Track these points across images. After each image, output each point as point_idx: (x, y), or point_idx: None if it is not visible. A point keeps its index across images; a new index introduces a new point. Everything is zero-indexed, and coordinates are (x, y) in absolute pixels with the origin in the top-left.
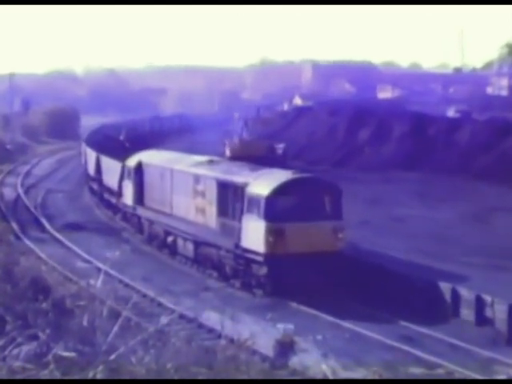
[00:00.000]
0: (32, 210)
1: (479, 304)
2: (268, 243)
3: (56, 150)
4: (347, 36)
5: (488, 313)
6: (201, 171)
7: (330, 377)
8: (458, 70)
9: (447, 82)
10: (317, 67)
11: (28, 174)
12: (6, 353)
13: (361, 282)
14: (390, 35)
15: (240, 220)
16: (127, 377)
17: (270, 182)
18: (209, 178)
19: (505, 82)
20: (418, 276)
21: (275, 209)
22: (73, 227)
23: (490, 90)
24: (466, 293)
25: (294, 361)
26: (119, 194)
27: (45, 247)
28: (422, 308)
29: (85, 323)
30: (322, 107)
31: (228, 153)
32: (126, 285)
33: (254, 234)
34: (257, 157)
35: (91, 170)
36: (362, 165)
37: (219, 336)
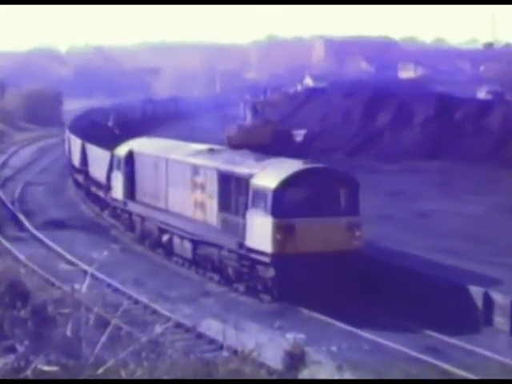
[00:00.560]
0: (8, 205)
1: None
2: (276, 242)
3: (36, 137)
4: (363, 8)
5: None
6: (200, 161)
7: None
8: (488, 46)
9: (477, 59)
10: (329, 44)
11: (4, 164)
12: None
13: (380, 285)
14: (410, 7)
15: (244, 216)
16: None
17: (277, 172)
18: (209, 169)
19: None
20: (444, 278)
21: (284, 203)
22: (55, 225)
23: None
24: (500, 298)
25: (305, 374)
26: (107, 187)
27: (23, 247)
28: (449, 315)
29: (69, 333)
30: (336, 88)
31: (229, 140)
32: (116, 289)
33: (259, 231)
34: (266, 144)
35: (76, 160)
36: (380, 153)
37: (221, 347)
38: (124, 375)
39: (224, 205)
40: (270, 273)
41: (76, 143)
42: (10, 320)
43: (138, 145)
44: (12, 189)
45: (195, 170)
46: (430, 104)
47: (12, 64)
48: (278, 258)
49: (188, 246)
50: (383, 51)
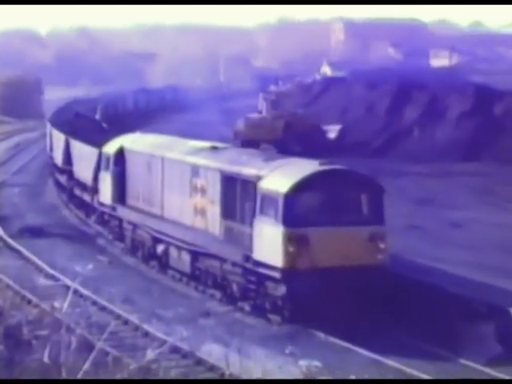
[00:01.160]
0: None
1: None
2: (287, 255)
3: (13, 131)
4: None
5: None
6: (200, 161)
7: None
8: None
9: None
10: (350, 27)
11: None
12: None
13: (407, 305)
14: None
15: (251, 224)
16: None
17: (290, 175)
18: (211, 170)
19: None
20: (482, 300)
21: (297, 210)
22: (33, 232)
23: None
24: None
25: None
26: (94, 189)
27: None
28: (488, 343)
29: (46, 359)
30: (358, 78)
31: (236, 136)
32: (102, 308)
33: (269, 242)
34: (278, 140)
35: (58, 158)
36: (409, 153)
37: (223, 375)
38: None
39: (228, 211)
40: (281, 290)
41: (58, 139)
42: None
43: (130, 141)
44: None
45: (195, 170)
46: (466, 97)
47: None
48: (290, 274)
49: (186, 258)
50: (413, 36)
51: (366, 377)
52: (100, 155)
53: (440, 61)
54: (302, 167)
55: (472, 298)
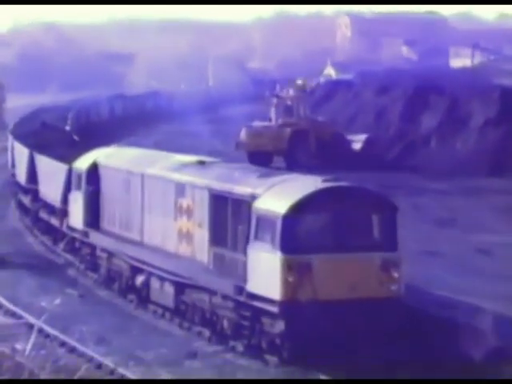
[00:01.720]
0: None
1: None
2: (287, 285)
3: None
4: None
5: None
6: (186, 178)
7: None
8: None
9: None
10: (358, 22)
11: None
12: None
13: (426, 345)
14: None
15: (245, 251)
16: None
17: (289, 193)
18: (198, 188)
19: None
20: None
21: (297, 234)
22: None
23: None
24: None
25: None
26: (63, 212)
27: None
28: None
29: None
30: (367, 81)
31: (238, 146)
32: (72, 349)
33: (265, 271)
34: (285, 151)
35: (21, 175)
36: (426, 167)
37: None
38: None
39: (218, 236)
40: (279, 327)
41: (22, 153)
42: None
43: (105, 156)
44: None
45: (180, 189)
46: (492, 102)
47: None
48: (290, 308)
49: (170, 290)
50: (430, 32)
51: None
52: (70, 172)
53: (461, 60)
54: (304, 184)
55: (503, 336)
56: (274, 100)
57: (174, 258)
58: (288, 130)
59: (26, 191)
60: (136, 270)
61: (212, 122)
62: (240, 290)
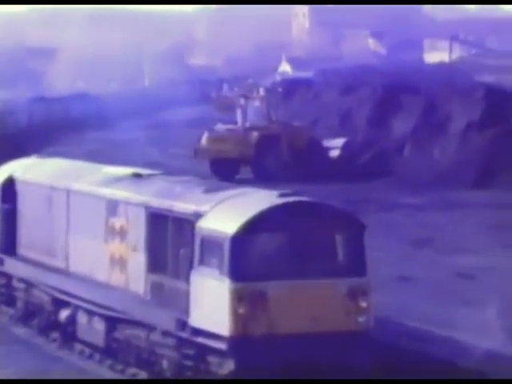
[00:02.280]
0: None
1: None
2: (237, 318)
3: None
4: None
5: None
6: (119, 193)
7: None
8: None
9: None
10: (317, 10)
11: None
12: None
13: None
14: None
15: (188, 279)
16: None
17: (239, 210)
18: (133, 206)
19: None
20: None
21: (249, 257)
22: None
23: None
24: None
25: None
26: None
27: None
28: None
29: None
30: (329, 79)
31: (197, 153)
32: None
33: (212, 302)
34: (251, 159)
35: None
36: (399, 178)
37: None
38: None
39: (156, 261)
40: (228, 366)
41: None
42: None
43: (23, 169)
44: None
45: (112, 206)
46: (475, 102)
47: None
48: (240, 344)
49: (100, 326)
50: (401, 22)
51: None
52: None
53: (438, 54)
54: (257, 200)
55: (486, 373)
56: (241, 100)
57: (104, 289)
58: (255, 135)
59: None
60: (59, 304)
61: (149, 128)
62: (182, 324)
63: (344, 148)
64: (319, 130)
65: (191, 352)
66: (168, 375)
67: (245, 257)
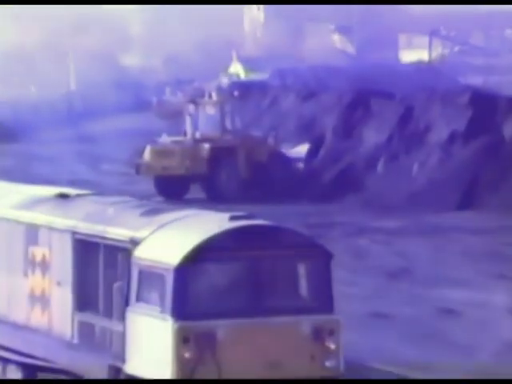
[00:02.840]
0: None
1: None
2: (181, 364)
3: None
4: None
5: None
6: (41, 217)
7: None
8: None
9: None
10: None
11: None
12: None
13: None
14: None
15: (123, 318)
16: None
17: (184, 237)
18: (58, 232)
19: None
20: None
21: (196, 293)
22: None
23: None
24: None
25: None
26: None
27: None
28: None
29: None
30: (288, 82)
31: (139, 170)
32: None
33: (151, 345)
34: (205, 177)
35: None
36: (371, 198)
37: None
38: None
39: (85, 298)
40: None
41: None
42: None
43: None
44: None
45: (32, 233)
46: (460, 109)
47: None
48: None
49: (17, 376)
50: (370, 15)
51: None
52: None
53: (415, 53)
54: (205, 224)
55: None
56: (190, 107)
57: (23, 331)
58: (207, 147)
59: None
60: None
61: (76, 141)
62: (116, 371)
63: (308, 161)
64: (276, 141)
65: None
66: None
67: (191, 291)
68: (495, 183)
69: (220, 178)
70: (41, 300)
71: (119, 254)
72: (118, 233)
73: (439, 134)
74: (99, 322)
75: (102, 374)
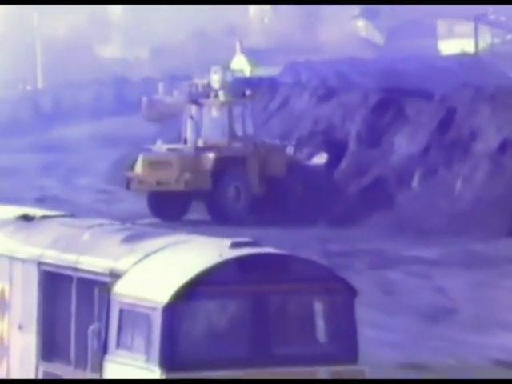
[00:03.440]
0: None
1: None
2: None
3: None
4: None
5: None
6: None
7: None
8: None
9: None
10: None
11: None
12: None
13: None
14: None
15: (100, 368)
16: None
17: (175, 269)
18: (19, 262)
19: None
20: None
21: (189, 337)
22: None
23: None
24: None
25: None
26: None
27: None
28: None
29: None
30: (303, 79)
31: (129, 184)
32: None
33: None
34: (206, 194)
35: None
36: (404, 221)
37: None
38: None
39: (53, 344)
40: None
41: None
42: None
43: None
44: None
45: None
46: (511, 112)
47: None
48: None
49: None
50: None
51: None
52: None
53: (457, 43)
54: (200, 253)
55: None
56: (192, 108)
57: None
58: (211, 157)
59: None
60: None
61: (44, 150)
62: None
63: (326, 174)
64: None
65: None
66: None
67: (182, 336)
68: None
69: (227, 194)
70: None
71: (96, 289)
72: (94, 263)
73: (487, 142)
74: (70, 373)
75: None
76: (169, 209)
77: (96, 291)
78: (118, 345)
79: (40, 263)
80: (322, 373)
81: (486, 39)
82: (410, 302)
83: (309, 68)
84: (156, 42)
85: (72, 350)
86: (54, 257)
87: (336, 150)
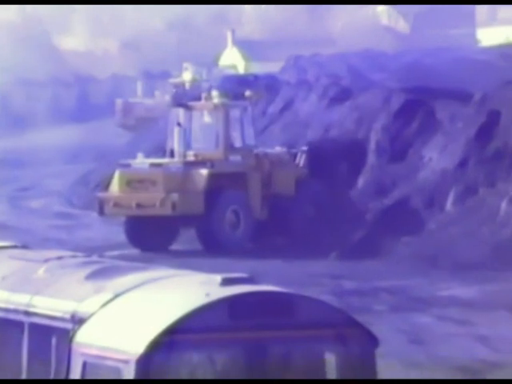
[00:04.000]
0: None
1: None
2: None
3: None
4: None
5: None
6: None
7: None
8: None
9: None
10: None
11: None
12: None
13: None
14: None
15: None
16: None
17: (152, 311)
18: None
19: None
20: None
21: None
22: None
23: None
24: None
25: None
26: None
27: None
28: None
29: None
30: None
31: (102, 208)
32: None
33: None
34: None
35: None
36: (437, 252)
37: None
38: None
39: None
40: None
41: None
42: None
43: None
44: None
45: None
46: None
47: None
48: None
49: None
50: None
51: None
52: None
53: (500, 32)
54: (184, 291)
55: None
56: (180, 113)
57: None
58: (204, 174)
59: None
60: None
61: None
62: None
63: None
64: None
65: None
66: None
67: None
68: None
69: (223, 220)
70: None
71: (53, 337)
72: (51, 306)
73: None
74: None
75: None
76: (151, 237)
77: (54, 340)
78: None
79: None
80: None
81: None
82: (443, 353)
83: (316, 63)
84: (127, 34)
85: None
86: (2, 298)
87: (352, 165)
